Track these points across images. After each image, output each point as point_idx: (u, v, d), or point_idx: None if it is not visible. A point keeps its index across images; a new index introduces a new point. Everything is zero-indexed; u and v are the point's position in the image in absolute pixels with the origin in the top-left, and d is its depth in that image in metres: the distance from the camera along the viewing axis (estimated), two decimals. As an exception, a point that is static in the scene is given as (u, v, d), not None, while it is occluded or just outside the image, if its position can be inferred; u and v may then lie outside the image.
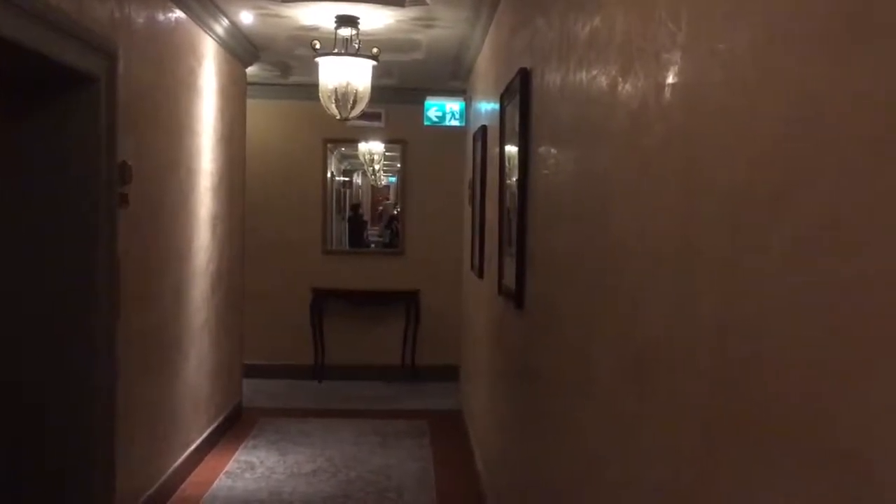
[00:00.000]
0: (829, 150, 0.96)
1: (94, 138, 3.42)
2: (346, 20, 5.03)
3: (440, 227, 7.61)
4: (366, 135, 8.01)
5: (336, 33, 5.09)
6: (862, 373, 0.88)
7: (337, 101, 5.15)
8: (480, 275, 5.05)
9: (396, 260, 7.93)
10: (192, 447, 4.93)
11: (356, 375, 7.58)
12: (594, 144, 2.11)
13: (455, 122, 6.93)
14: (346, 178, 10.53)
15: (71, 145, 3.38)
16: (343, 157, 9.64)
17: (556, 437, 2.51)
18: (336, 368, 7.63)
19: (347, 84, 5.11)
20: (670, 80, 1.50)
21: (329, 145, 7.94)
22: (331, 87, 5.13)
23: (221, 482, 4.77)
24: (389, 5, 4.83)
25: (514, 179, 3.35)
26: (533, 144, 3.08)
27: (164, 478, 4.37)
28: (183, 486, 4.65)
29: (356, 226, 9.14)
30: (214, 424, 5.47)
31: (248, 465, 5.12)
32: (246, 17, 5.25)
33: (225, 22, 5.23)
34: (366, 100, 5.23)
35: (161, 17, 4.30)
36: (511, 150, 3.54)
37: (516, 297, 3.25)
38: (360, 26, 5.08)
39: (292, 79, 7.13)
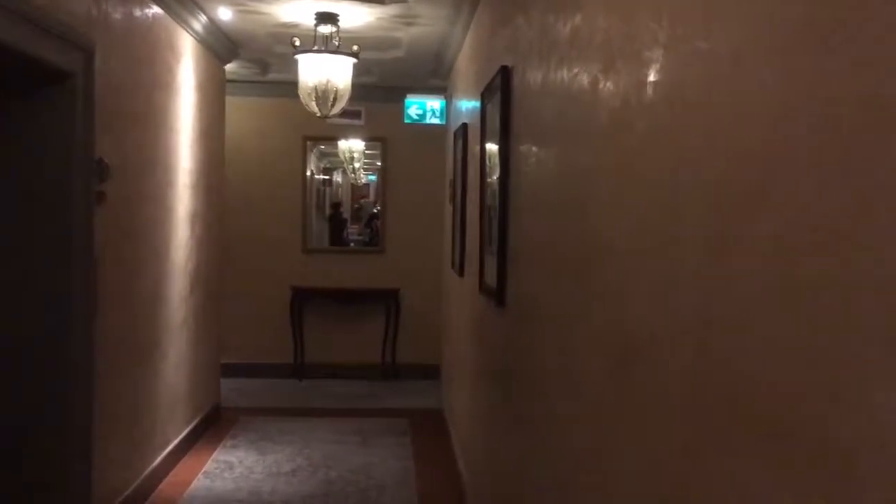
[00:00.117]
0: (808, 149, 0.97)
1: (71, 135, 3.38)
2: (326, 17, 5.01)
3: (421, 225, 7.60)
4: (346, 132, 7.98)
5: (316, 30, 5.07)
6: (842, 368, 0.88)
7: (317, 98, 5.12)
8: (461, 273, 5.05)
9: (377, 258, 7.91)
10: (170, 447, 4.89)
11: (336, 374, 7.55)
12: (576, 142, 2.11)
13: (436, 121, 6.93)
14: (326, 177, 10.49)
15: (47, 142, 3.34)
16: (323, 155, 9.59)
17: (538, 436, 2.51)
18: (316, 367, 7.60)
19: (327, 81, 5.08)
20: (652, 78, 1.51)
21: (309, 143, 7.90)
22: (311, 84, 5.11)
23: (200, 482, 4.74)
24: (370, 3, 4.81)
25: (496, 177, 3.35)
26: (514, 142, 3.08)
27: (141, 478, 4.34)
28: (160, 486, 4.61)
29: (336, 224, 9.10)
30: (193, 424, 5.43)
31: (227, 464, 5.09)
32: (224, 14, 5.21)
33: (203, 18, 5.19)
34: (346, 97, 5.21)
35: (138, 13, 4.26)
36: (492, 148, 3.54)
37: (497, 295, 3.25)
38: (340, 23, 5.06)
39: (271, 76, 7.09)
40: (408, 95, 6.96)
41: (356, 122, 7.61)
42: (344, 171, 10.72)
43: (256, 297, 7.57)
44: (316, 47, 5.06)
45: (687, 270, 1.33)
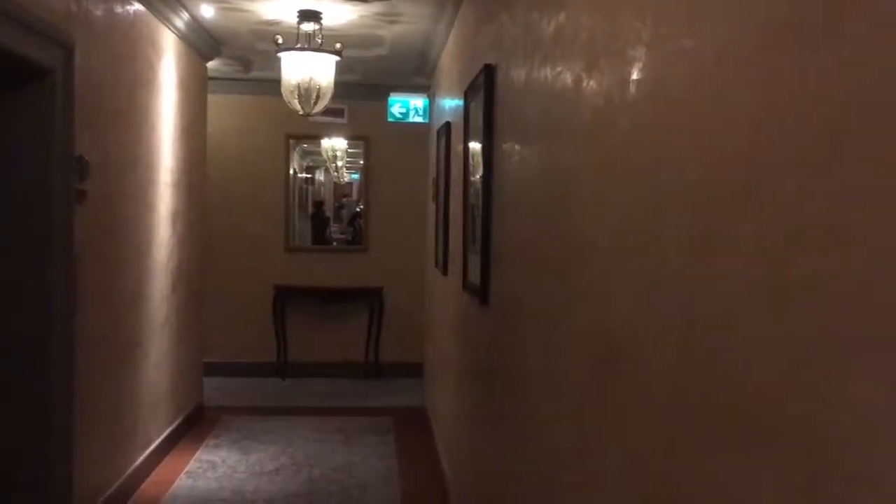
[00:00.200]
0: (792, 148, 0.97)
1: (50, 132, 3.35)
2: (309, 15, 4.99)
3: (404, 223, 7.59)
4: (328, 131, 7.96)
5: (299, 28, 5.05)
6: (824, 366, 0.89)
7: (300, 96, 5.10)
8: (445, 271, 5.04)
9: (360, 257, 7.89)
10: (153, 447, 4.86)
11: (319, 373, 7.53)
12: (559, 141, 2.12)
13: (419, 119, 6.92)
14: (309, 175, 10.45)
15: (26, 139, 3.31)
16: (305, 154, 9.56)
17: (521, 434, 2.51)
18: (299, 366, 7.57)
19: (310, 79, 5.07)
20: (635, 76, 1.51)
21: (291, 141, 7.87)
22: (293, 82, 5.08)
23: (182, 482, 4.71)
24: (353, 0, 4.80)
25: (479, 176, 3.35)
26: (497, 141, 3.08)
27: (123, 478, 4.31)
28: (143, 485, 4.58)
29: (319, 223, 9.07)
30: (175, 423, 5.40)
31: (210, 464, 5.06)
32: (207, 11, 5.18)
33: (185, 15, 5.16)
34: (329, 95, 5.19)
35: (119, 9, 4.22)
36: (475, 146, 3.54)
37: (481, 293, 3.25)
38: (322, 21, 5.04)
39: (254, 73, 7.05)
40: (391, 94, 6.95)
41: (339, 120, 7.58)
42: (327, 170, 10.69)
43: (239, 295, 7.53)
44: (299, 45, 5.04)
45: (670, 269, 1.33)
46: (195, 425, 5.85)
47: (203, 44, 5.81)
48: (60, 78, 3.37)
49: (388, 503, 4.53)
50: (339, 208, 10.48)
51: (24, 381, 3.33)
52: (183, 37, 5.35)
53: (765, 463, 1.01)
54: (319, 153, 9.34)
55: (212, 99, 6.57)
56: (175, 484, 4.66)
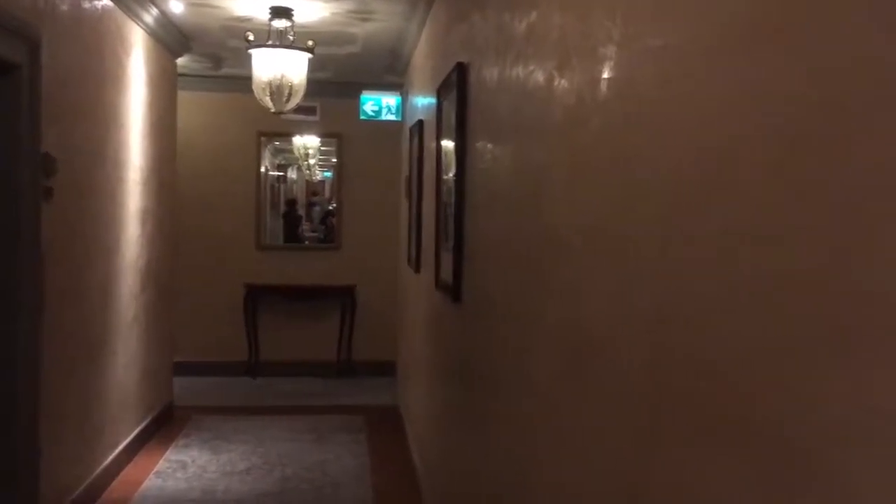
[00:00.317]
0: (759, 146, 0.99)
1: (16, 128, 3.29)
2: (281, 12, 4.96)
3: (377, 222, 7.57)
4: (300, 128, 7.92)
5: (270, 25, 5.01)
6: (793, 361, 0.90)
7: (271, 93, 5.07)
8: (417, 269, 5.04)
9: (332, 255, 7.87)
10: (122, 446, 4.81)
11: (291, 372, 7.49)
12: (531, 139, 2.12)
13: (391, 117, 6.90)
14: (281, 173, 10.39)
15: (-9, 135, 3.26)
16: (277, 152, 9.49)
17: (494, 431, 2.52)
18: (271, 365, 7.53)
19: (282, 77, 5.04)
20: (606, 75, 1.52)
21: (263, 139, 7.82)
22: (265, 79, 5.05)
23: (151, 482, 4.66)
24: (325, -3, 4.78)
25: (452, 174, 3.36)
26: (470, 139, 3.09)
27: (91, 478, 4.25)
28: (112, 485, 4.53)
29: (291, 221, 9.02)
30: (144, 423, 5.34)
31: (180, 464, 5.01)
32: (176, 7, 5.12)
33: (154, 11, 5.10)
34: (301, 93, 5.16)
35: (87, 4, 4.17)
36: (448, 144, 3.54)
37: (453, 290, 3.26)
38: (294, 18, 5.01)
39: (225, 70, 6.99)
40: (363, 91, 6.93)
41: (311, 118, 7.55)
42: (299, 168, 10.63)
43: (210, 294, 7.47)
44: (270, 42, 5.01)
45: (641, 267, 1.34)
46: (165, 425, 5.80)
47: (172, 40, 5.75)
48: (27, 73, 3.32)
49: (360, 501, 4.52)
50: (311, 206, 10.42)
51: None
52: (152, 32, 5.30)
53: (737, 459, 1.02)
54: (291, 151, 9.28)
55: (182, 96, 6.50)
56: (144, 484, 4.62)
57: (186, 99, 6.80)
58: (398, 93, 6.87)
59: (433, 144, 4.20)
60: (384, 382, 7.18)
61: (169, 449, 5.30)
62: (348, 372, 7.60)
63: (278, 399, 6.85)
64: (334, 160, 8.23)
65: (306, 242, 8.87)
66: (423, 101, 4.99)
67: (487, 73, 2.74)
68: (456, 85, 3.23)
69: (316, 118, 7.60)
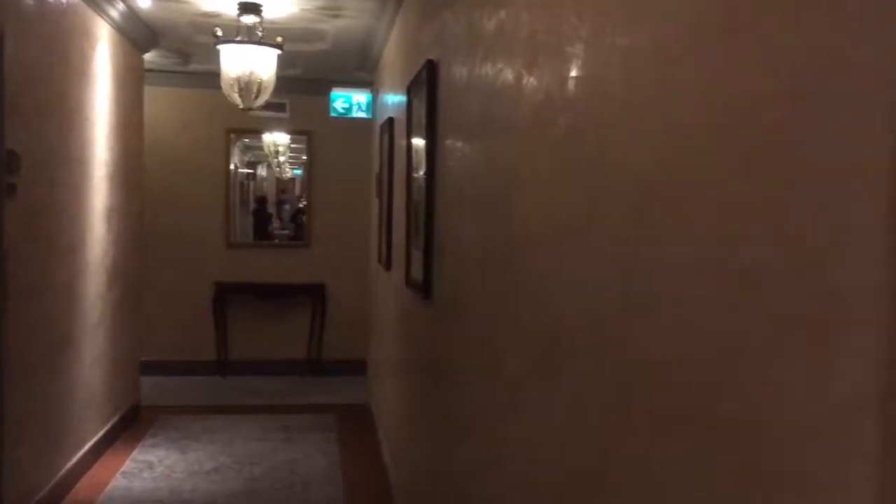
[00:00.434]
0: (727, 145, 0.99)
1: (-22, 124, 3.23)
2: (249, 7, 4.91)
3: (347, 219, 7.54)
4: (270, 125, 7.86)
5: (239, 20, 4.97)
6: (757, 358, 0.91)
7: (240, 90, 5.02)
8: (388, 267, 5.03)
9: (302, 253, 7.82)
10: (87, 447, 4.74)
11: (261, 370, 7.44)
12: (501, 136, 2.13)
13: (362, 114, 6.88)
14: (251, 171, 10.31)
15: (-49, 131, 3.19)
16: (247, 149, 9.42)
17: (463, 428, 2.52)
18: (240, 364, 7.47)
19: (251, 73, 4.99)
20: (574, 73, 1.52)
21: (232, 136, 7.75)
22: (233, 75, 5.00)
23: (118, 482, 4.61)
24: (294, -7, 4.75)
25: (422, 172, 3.35)
26: (440, 137, 3.08)
27: (56, 479, 4.19)
28: (77, 486, 4.47)
29: (261, 218, 8.96)
30: (111, 423, 5.27)
31: (147, 464, 4.96)
32: (143, 2, 5.06)
33: (120, 5, 5.03)
34: (270, 89, 5.12)
35: (51, -2, 4.10)
36: (418, 142, 3.54)
37: (424, 288, 3.25)
38: (263, 14, 4.97)
39: (193, 66, 6.92)
40: (333, 89, 6.89)
41: (281, 115, 7.49)
42: (268, 165, 10.55)
43: (178, 292, 7.40)
44: (239, 38, 4.96)
45: (610, 265, 1.35)
46: (132, 425, 5.73)
47: (139, 35, 5.67)
48: (-12, 68, 3.25)
49: (331, 500, 4.51)
50: (281, 203, 10.35)
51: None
52: (118, 27, 5.22)
53: (701, 451, 1.03)
54: (261, 148, 9.21)
55: (150, 91, 6.43)
56: (110, 485, 4.56)
57: (154, 94, 6.72)
58: (368, 90, 6.85)
59: (403, 142, 4.19)
60: (355, 381, 7.15)
61: (136, 449, 5.24)
62: (319, 370, 7.56)
63: (248, 398, 6.80)
64: (304, 157, 8.19)
65: (276, 240, 8.81)
66: (394, 99, 4.98)
67: (457, 71, 2.74)
68: (426, 82, 3.22)
69: (286, 115, 7.55)
